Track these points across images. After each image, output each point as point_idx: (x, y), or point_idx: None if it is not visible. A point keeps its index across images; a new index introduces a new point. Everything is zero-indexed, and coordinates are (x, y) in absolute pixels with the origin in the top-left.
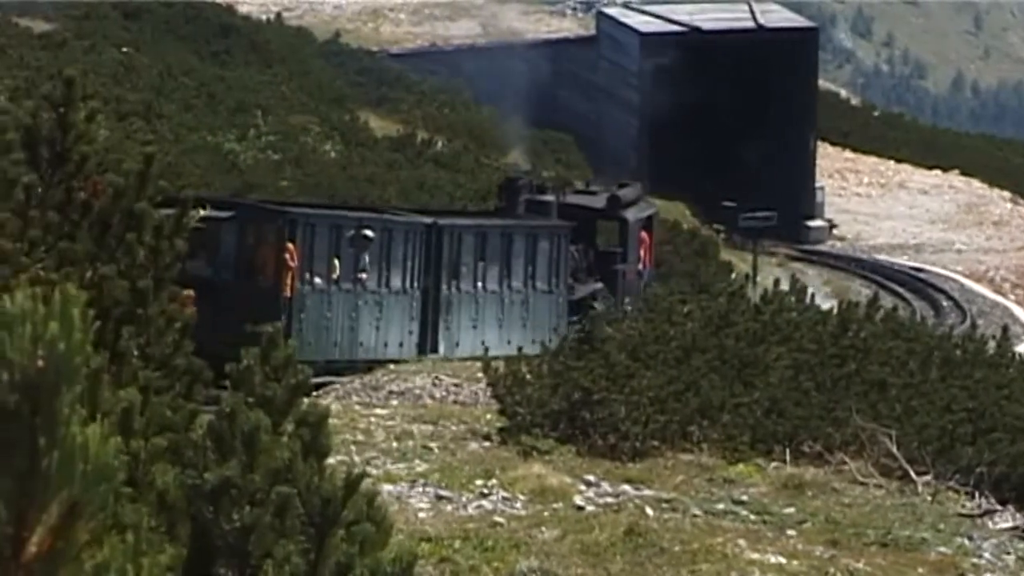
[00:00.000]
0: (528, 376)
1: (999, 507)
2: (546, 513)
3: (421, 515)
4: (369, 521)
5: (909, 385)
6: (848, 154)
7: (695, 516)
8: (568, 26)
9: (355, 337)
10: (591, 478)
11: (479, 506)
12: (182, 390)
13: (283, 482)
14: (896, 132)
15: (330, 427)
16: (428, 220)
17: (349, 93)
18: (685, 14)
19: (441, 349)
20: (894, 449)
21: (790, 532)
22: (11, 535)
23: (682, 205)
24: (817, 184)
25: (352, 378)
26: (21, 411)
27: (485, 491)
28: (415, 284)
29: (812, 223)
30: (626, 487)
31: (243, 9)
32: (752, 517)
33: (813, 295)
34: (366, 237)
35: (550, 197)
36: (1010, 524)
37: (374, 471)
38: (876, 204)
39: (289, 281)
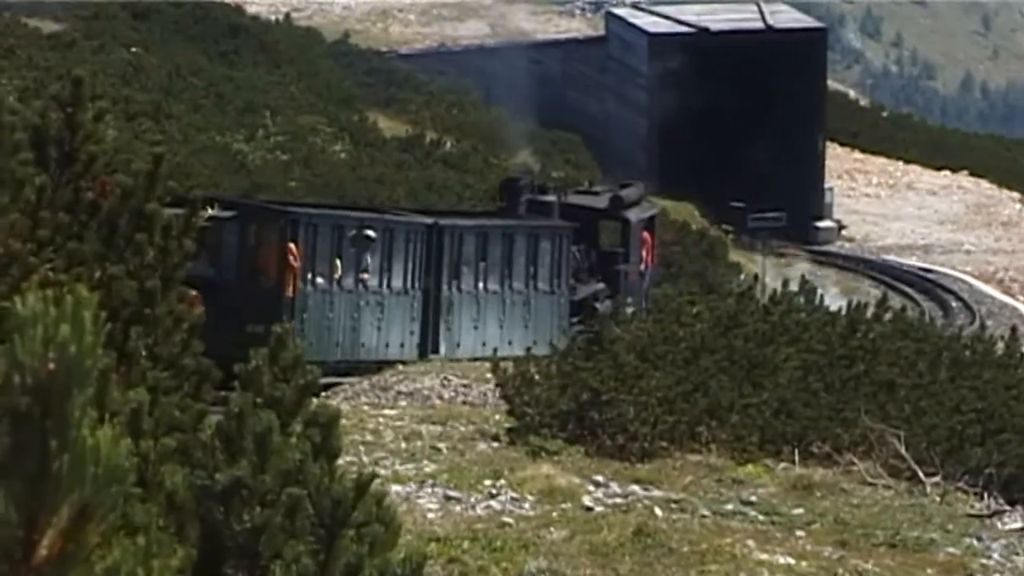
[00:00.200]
0: (537, 377)
1: (1008, 508)
2: (555, 514)
3: (430, 516)
4: (378, 522)
5: (918, 386)
6: (857, 155)
7: (704, 517)
8: (577, 26)
9: (357, 338)
10: (600, 479)
11: (488, 507)
12: (190, 390)
13: (294, 483)
14: (905, 133)
15: (340, 428)
16: (429, 220)
17: (358, 93)
18: (694, 15)
19: (442, 350)
20: (903, 450)
21: (799, 533)
22: (22, 538)
23: (691, 206)
24: (826, 185)
25: (361, 379)
26: (32, 413)
27: (494, 491)
28: (416, 284)
29: (821, 224)
30: (635, 487)
31: (252, 9)
32: (761, 518)
33: (823, 296)
34: (368, 237)
35: (552, 197)
36: (1019, 525)
37: (383, 472)
38: (885, 205)
39: (292, 281)
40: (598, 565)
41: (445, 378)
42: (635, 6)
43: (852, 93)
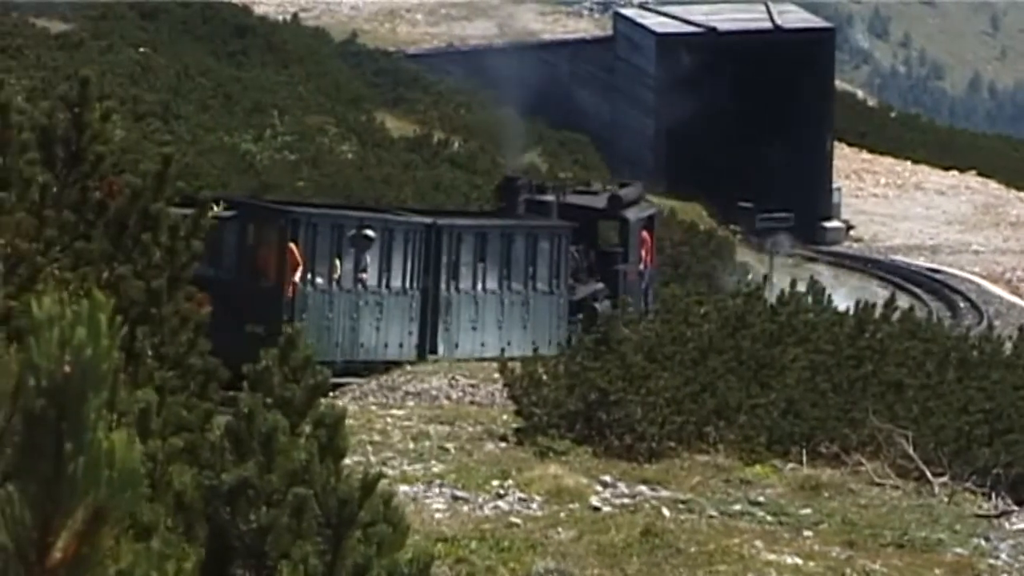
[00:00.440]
0: (545, 377)
1: (1016, 508)
2: (562, 514)
3: (437, 516)
4: (386, 522)
5: (926, 386)
6: (865, 155)
7: (711, 517)
8: (585, 27)
9: (356, 338)
10: (607, 479)
11: (495, 507)
12: (196, 389)
13: (300, 483)
14: (913, 133)
15: (347, 428)
16: (427, 220)
17: (366, 93)
18: (701, 15)
19: (440, 350)
20: (911, 450)
21: (807, 533)
22: (36, 540)
23: (698, 206)
24: (834, 185)
25: (368, 379)
26: (47, 416)
27: (501, 492)
28: (415, 284)
29: (829, 224)
30: (642, 488)
31: (260, 9)
32: (769, 518)
33: (830, 296)
34: (367, 237)
35: (550, 197)
36: None
37: (390, 472)
38: (893, 205)
39: (292, 281)
40: (606, 565)
41: (453, 378)
42: (643, 6)
43: (860, 93)
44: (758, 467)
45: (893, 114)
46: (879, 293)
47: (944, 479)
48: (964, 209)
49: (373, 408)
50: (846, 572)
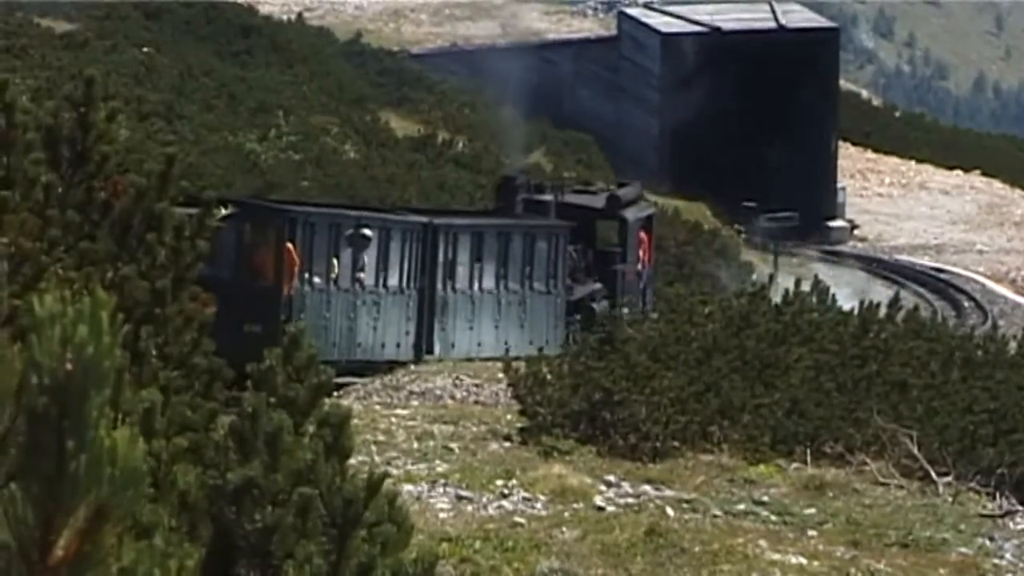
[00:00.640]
0: (549, 377)
1: (1020, 508)
2: (566, 513)
3: (442, 515)
4: (390, 522)
5: (930, 386)
6: (869, 154)
7: (715, 517)
8: (589, 26)
9: (353, 337)
10: (611, 478)
11: (499, 506)
12: (200, 389)
13: (305, 483)
14: (917, 132)
15: (352, 428)
16: (424, 220)
17: (370, 93)
18: (706, 15)
19: (436, 350)
20: (915, 450)
21: (811, 533)
22: (38, 538)
23: (703, 205)
24: (838, 184)
25: (371, 378)
26: (49, 414)
27: (505, 491)
28: (412, 284)
29: (833, 223)
30: (646, 487)
31: (264, 9)
32: (773, 518)
33: (835, 296)
34: (364, 236)
35: (548, 196)
36: None
37: (395, 471)
38: (897, 204)
39: (289, 280)
40: (610, 565)
41: (457, 378)
42: (647, 6)
43: (865, 93)
44: (762, 467)
45: (897, 114)
46: (883, 292)
47: (948, 479)
48: (968, 209)
49: (377, 408)
50: (850, 572)
